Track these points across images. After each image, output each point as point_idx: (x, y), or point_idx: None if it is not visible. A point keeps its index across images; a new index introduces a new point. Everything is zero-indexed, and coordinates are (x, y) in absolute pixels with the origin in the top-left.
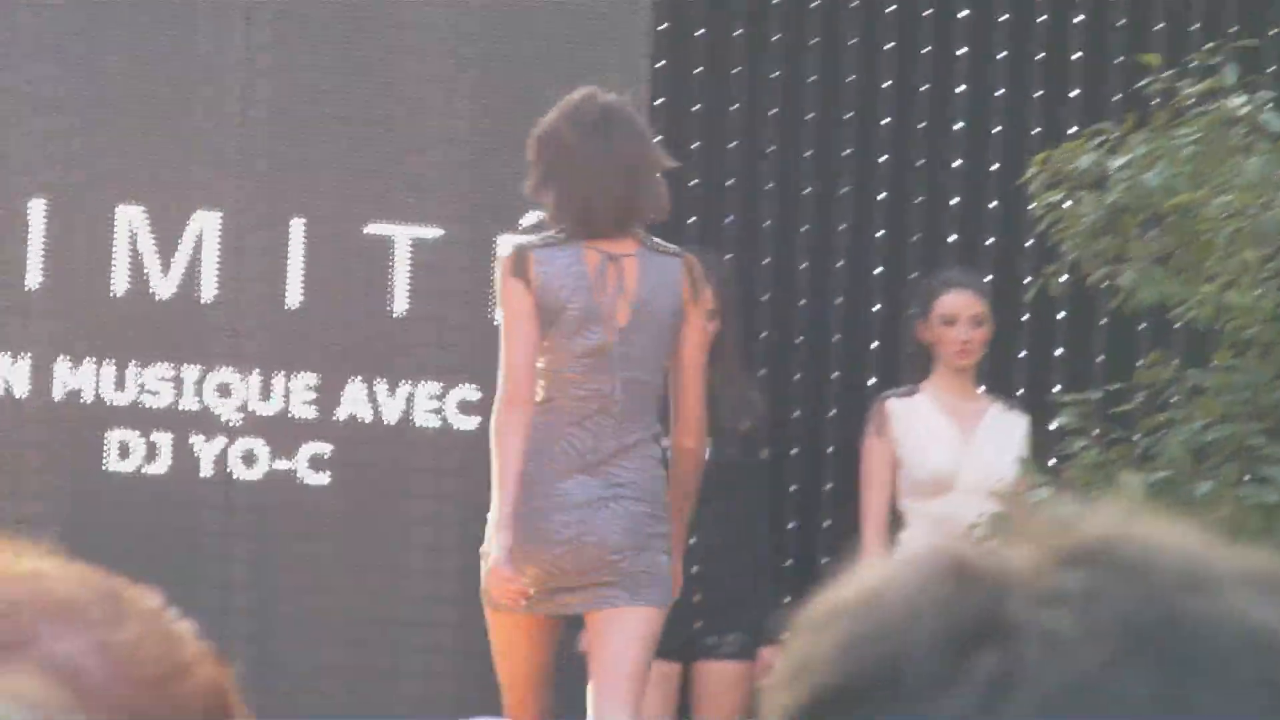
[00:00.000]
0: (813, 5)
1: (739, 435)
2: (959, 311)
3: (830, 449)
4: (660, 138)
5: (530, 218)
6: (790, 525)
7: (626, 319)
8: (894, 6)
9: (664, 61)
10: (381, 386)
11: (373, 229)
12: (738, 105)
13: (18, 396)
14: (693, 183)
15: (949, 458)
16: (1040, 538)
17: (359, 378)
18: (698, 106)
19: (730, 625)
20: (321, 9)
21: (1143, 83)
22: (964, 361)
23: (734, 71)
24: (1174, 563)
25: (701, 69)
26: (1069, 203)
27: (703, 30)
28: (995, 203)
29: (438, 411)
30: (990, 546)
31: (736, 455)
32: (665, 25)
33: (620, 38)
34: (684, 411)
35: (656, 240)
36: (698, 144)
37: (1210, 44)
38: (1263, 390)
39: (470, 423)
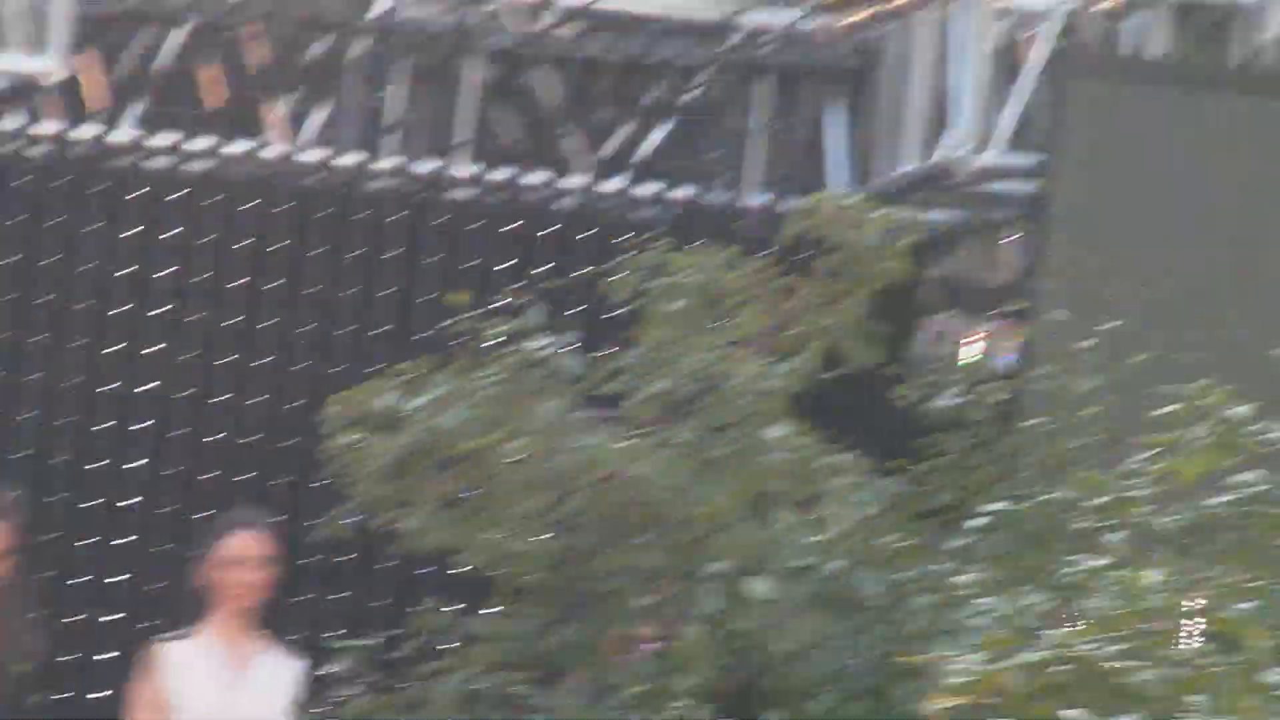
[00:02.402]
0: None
1: (15, 677)
2: (243, 553)
3: (105, 693)
4: None
5: None
6: None
7: None
8: (210, 238)
9: None
10: None
11: None
12: None
13: None
14: None
15: (217, 703)
16: None
17: None
18: None
19: None
20: None
21: (449, 321)
22: (245, 604)
23: None
24: None
25: None
26: (364, 443)
27: None
28: (293, 440)
29: None
30: None
31: (10, 699)
32: None
33: None
34: None
35: None
36: None
37: (518, 284)
38: (534, 638)
39: None
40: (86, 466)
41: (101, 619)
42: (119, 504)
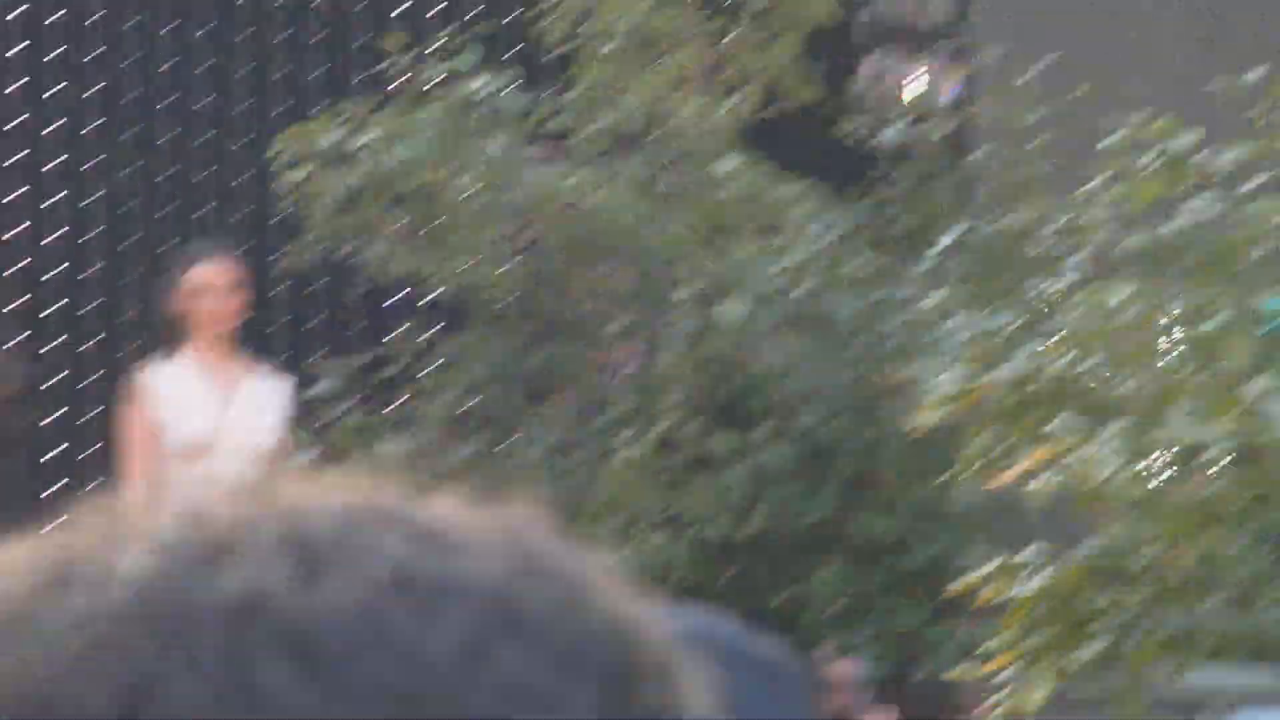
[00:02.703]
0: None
1: (1, 403)
2: (210, 281)
3: (89, 415)
4: None
5: None
6: (47, 492)
7: None
8: None
9: None
10: None
11: None
12: None
13: None
14: None
15: (207, 422)
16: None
17: None
18: None
19: None
20: None
21: (384, 64)
22: (218, 329)
23: None
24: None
25: None
26: (314, 178)
27: None
28: (244, 177)
29: None
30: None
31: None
32: None
33: None
34: None
35: None
36: None
37: (450, 27)
38: (514, 360)
39: None
40: (41, 205)
41: (78, 348)
42: (79, 239)
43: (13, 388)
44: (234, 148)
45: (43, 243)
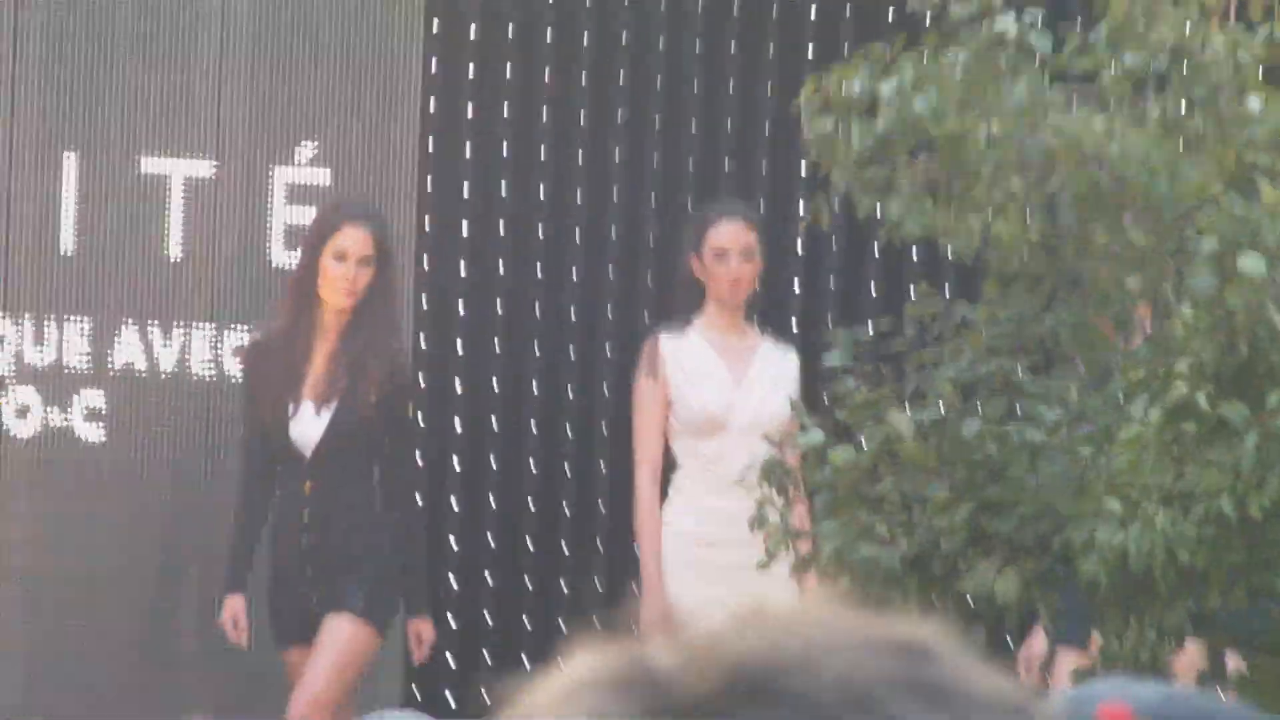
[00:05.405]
0: None
1: (383, 393)
2: (730, 245)
3: (606, 387)
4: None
5: (307, 150)
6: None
7: None
8: None
9: None
10: (156, 332)
11: (149, 165)
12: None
13: None
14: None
15: (720, 398)
16: (705, 660)
17: (133, 323)
18: None
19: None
20: None
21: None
22: (735, 296)
23: None
24: (834, 686)
25: None
26: (839, 129)
27: None
28: (769, 128)
29: (213, 360)
30: (661, 664)
31: (375, 413)
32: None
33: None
34: None
35: None
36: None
37: None
38: (1028, 323)
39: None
40: (565, 164)
41: (595, 315)
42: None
43: (400, 377)
44: (764, 96)
45: (569, 204)
